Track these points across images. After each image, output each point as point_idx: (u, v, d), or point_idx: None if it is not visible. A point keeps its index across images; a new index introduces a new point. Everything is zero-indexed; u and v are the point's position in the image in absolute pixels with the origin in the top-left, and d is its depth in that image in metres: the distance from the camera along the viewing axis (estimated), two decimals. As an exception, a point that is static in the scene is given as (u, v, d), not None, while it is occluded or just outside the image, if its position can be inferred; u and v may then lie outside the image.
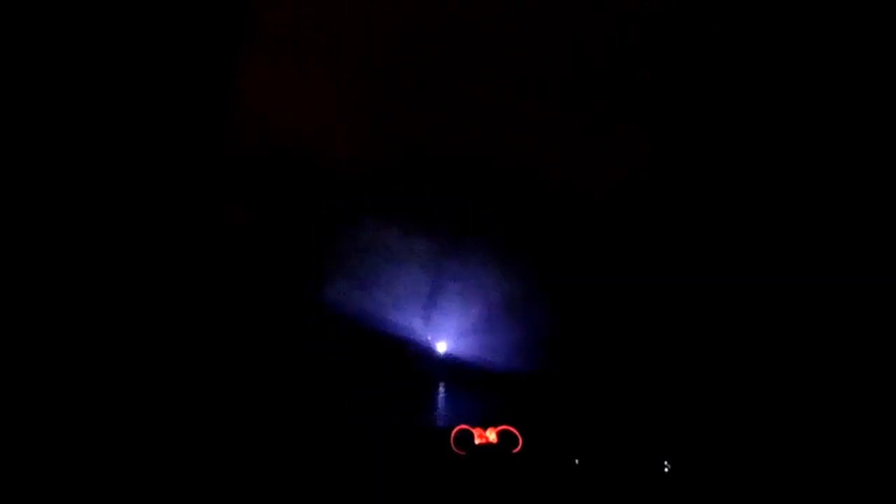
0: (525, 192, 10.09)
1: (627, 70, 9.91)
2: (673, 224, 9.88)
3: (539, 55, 9.93)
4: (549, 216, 10.09)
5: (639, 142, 9.90)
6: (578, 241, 9.94)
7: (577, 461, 9.20)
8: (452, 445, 7.30)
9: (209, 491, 8.34)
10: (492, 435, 7.33)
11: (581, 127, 9.94)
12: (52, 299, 8.81)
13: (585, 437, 9.46)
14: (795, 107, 9.67)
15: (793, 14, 9.56)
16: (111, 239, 9.12)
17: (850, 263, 9.27)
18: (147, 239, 9.26)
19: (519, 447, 7.27)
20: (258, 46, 9.86)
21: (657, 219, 9.92)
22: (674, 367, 9.68)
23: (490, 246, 10.04)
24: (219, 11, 9.73)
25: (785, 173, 9.75)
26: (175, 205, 9.46)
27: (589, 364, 9.83)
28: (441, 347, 10.14)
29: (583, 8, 9.81)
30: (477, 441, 7.33)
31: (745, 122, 9.82)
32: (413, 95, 9.95)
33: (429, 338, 10.16)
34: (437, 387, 9.99)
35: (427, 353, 10.13)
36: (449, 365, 10.08)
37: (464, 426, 7.38)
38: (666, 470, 9.25)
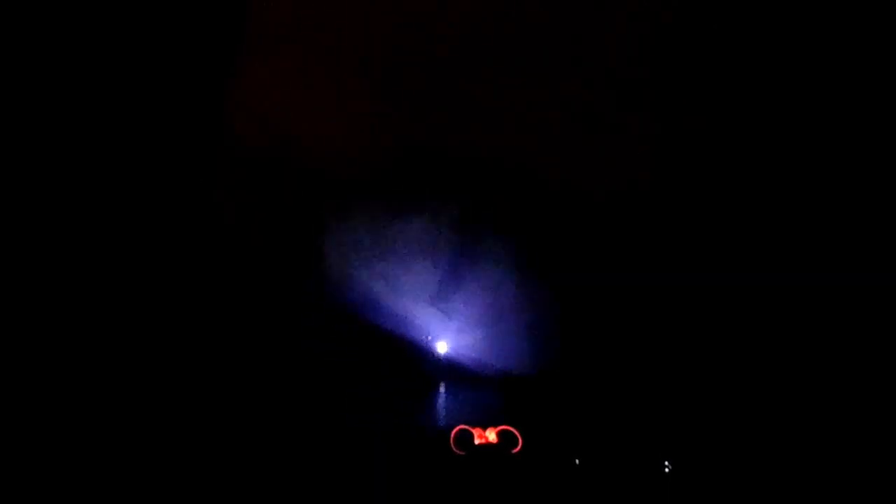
0: (525, 192, 10.09)
1: (628, 70, 9.91)
2: (673, 224, 9.88)
3: (539, 55, 9.93)
4: (549, 216, 10.08)
5: (639, 142, 9.90)
6: (578, 241, 9.93)
7: (577, 461, 9.20)
8: (452, 445, 7.30)
9: (209, 491, 8.34)
10: (491, 435, 7.34)
11: (581, 127, 9.93)
12: (52, 299, 8.80)
13: (585, 437, 9.46)
14: (796, 107, 9.66)
15: (793, 14, 9.55)
16: (109, 239, 9.10)
17: (850, 263, 9.26)
18: (145, 239, 9.25)
19: (519, 447, 7.27)
20: (258, 46, 9.85)
21: (657, 219, 9.91)
22: (674, 367, 9.67)
23: (490, 246, 10.03)
24: (219, 11, 9.72)
25: (785, 173, 9.74)
26: (174, 205, 9.45)
27: (589, 364, 9.82)
28: (441, 347, 10.13)
29: (583, 8, 9.81)
30: (477, 441, 7.34)
31: (745, 122, 9.81)
32: (413, 95, 9.94)
33: (429, 338, 10.15)
34: (437, 387, 9.98)
35: (427, 353, 10.12)
36: (449, 365, 10.06)
37: (463, 426, 7.38)
38: (666, 470, 9.25)
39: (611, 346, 9.84)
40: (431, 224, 10.08)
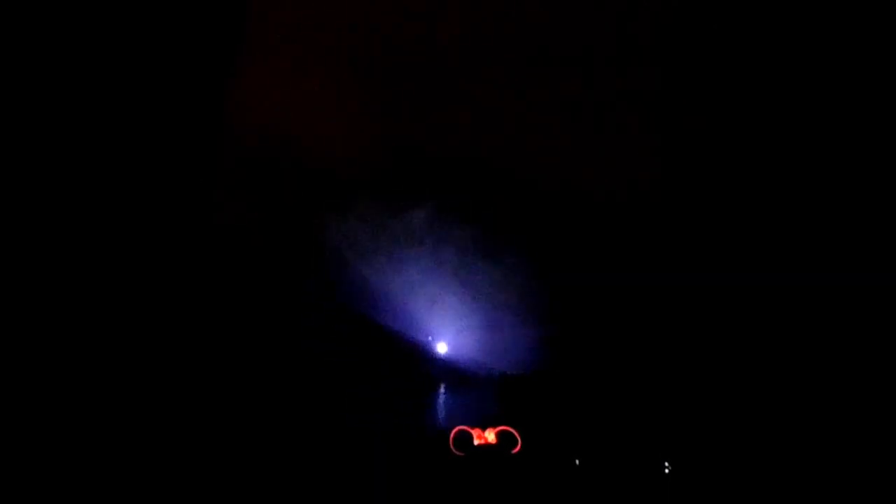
0: (525, 192, 10.08)
1: (628, 70, 9.90)
2: (673, 224, 9.87)
3: (539, 55, 9.93)
4: (550, 216, 10.08)
5: (639, 142, 9.90)
6: (578, 241, 9.93)
7: (576, 461, 9.20)
8: (451, 446, 7.30)
9: (209, 491, 8.34)
10: (491, 436, 7.34)
11: (581, 127, 9.93)
12: (51, 299, 8.80)
13: (585, 437, 9.45)
14: (796, 107, 9.65)
15: (793, 14, 9.54)
16: (110, 239, 9.10)
17: (850, 263, 9.25)
18: (147, 239, 9.25)
19: (518, 448, 7.27)
20: (258, 46, 9.85)
21: (657, 219, 9.90)
22: (674, 367, 9.67)
23: (490, 246, 10.03)
24: (219, 11, 9.72)
25: (785, 173, 9.73)
26: (175, 204, 9.45)
27: (589, 364, 9.82)
28: (441, 347, 10.14)
29: (583, 8, 9.81)
30: (476, 442, 7.34)
31: (746, 122, 9.80)
32: (413, 95, 9.95)
33: (429, 338, 10.16)
34: (437, 387, 9.98)
35: (427, 354, 10.13)
36: (449, 365, 10.07)
37: (463, 427, 7.38)
38: (666, 471, 9.24)
39: (611, 346, 9.84)
40: (431, 224, 10.08)
